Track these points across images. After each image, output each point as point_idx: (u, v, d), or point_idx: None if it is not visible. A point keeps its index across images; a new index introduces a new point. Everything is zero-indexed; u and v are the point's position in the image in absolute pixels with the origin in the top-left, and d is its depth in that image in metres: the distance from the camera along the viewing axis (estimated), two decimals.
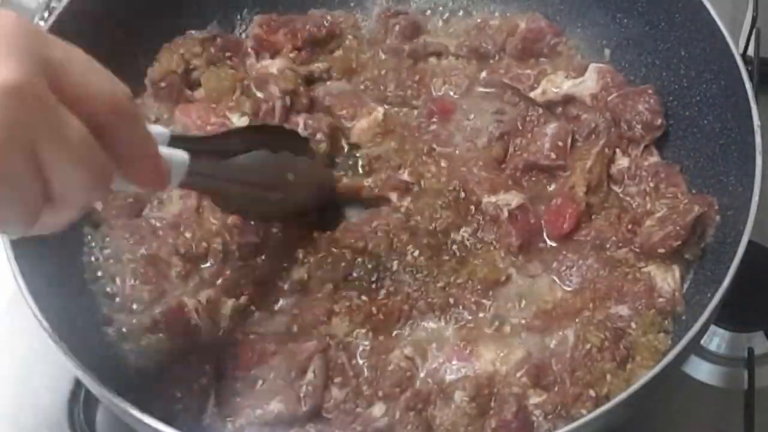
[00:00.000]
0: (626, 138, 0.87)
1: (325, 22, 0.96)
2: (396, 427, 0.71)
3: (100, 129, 0.49)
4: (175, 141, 0.63)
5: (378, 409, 0.72)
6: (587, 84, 0.89)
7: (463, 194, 0.83)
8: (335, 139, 0.88)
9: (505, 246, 0.81)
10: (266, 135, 0.77)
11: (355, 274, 0.79)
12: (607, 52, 0.94)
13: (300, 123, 0.87)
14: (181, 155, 0.62)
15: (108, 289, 0.80)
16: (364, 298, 0.78)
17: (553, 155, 0.85)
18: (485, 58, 0.94)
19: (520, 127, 0.87)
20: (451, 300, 0.78)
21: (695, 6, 0.83)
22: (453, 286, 0.79)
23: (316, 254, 0.80)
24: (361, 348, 0.76)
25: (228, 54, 0.93)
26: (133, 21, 0.90)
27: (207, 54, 0.92)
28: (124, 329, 0.77)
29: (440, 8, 1.00)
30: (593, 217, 0.83)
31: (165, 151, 0.58)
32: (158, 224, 0.82)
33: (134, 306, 0.78)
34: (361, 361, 0.75)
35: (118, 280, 0.80)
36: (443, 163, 0.86)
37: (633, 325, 0.76)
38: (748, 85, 0.76)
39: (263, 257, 0.81)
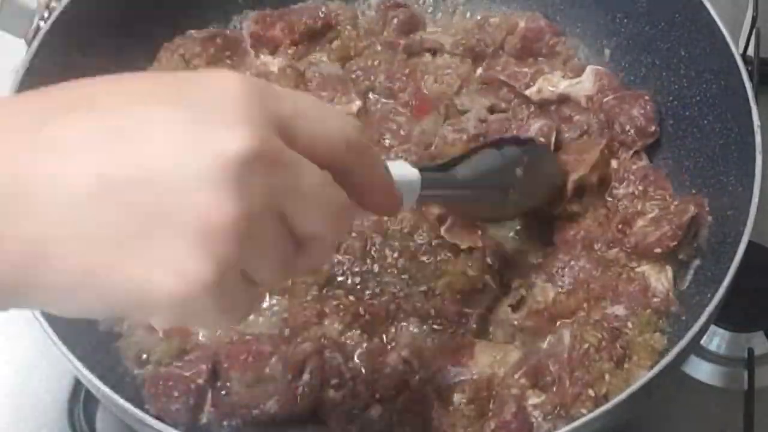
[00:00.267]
0: (618, 141, 0.87)
1: (320, 13, 0.96)
2: (394, 429, 0.71)
3: (336, 168, 0.48)
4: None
5: (375, 411, 0.72)
6: (583, 85, 0.89)
7: None
8: None
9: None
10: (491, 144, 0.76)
11: (339, 278, 0.79)
12: (607, 52, 0.94)
13: None
14: (411, 175, 0.60)
15: None
16: (351, 297, 0.78)
17: None
18: (481, 58, 0.94)
19: (507, 129, 0.87)
20: (432, 312, 0.77)
21: (695, 6, 0.82)
22: (431, 297, 0.78)
23: None
24: (357, 350, 0.75)
25: (228, 53, 0.93)
26: (133, 21, 0.90)
27: (207, 54, 0.92)
28: (122, 329, 0.77)
29: (441, 3, 1.00)
30: (579, 219, 0.83)
31: (395, 172, 0.56)
32: None
33: None
34: (357, 363, 0.75)
35: None
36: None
37: (629, 324, 0.76)
38: (748, 85, 0.76)
39: None
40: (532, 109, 0.89)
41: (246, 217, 0.41)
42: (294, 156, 0.44)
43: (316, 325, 0.76)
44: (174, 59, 0.90)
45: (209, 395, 0.73)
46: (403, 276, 0.79)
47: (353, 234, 0.80)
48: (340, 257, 0.80)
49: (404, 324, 0.77)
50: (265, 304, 0.78)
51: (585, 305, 0.78)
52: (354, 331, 0.76)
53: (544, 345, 0.76)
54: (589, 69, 0.90)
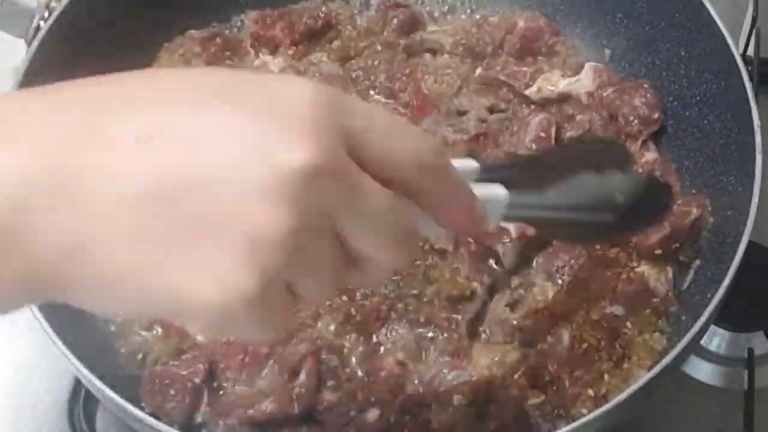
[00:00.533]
0: (624, 133, 0.86)
1: (320, 13, 0.95)
2: (392, 431, 0.71)
3: (407, 189, 0.45)
4: (486, 172, 0.57)
5: (372, 414, 0.72)
6: (583, 82, 0.89)
7: None
8: None
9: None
10: (587, 150, 0.70)
11: None
12: (607, 52, 0.94)
13: None
14: (498, 192, 0.56)
15: None
16: (344, 298, 0.78)
17: (534, 146, 0.84)
18: (481, 58, 0.94)
19: (507, 128, 0.87)
20: (422, 318, 0.77)
21: (695, 6, 0.82)
22: (422, 302, 0.78)
23: None
24: (353, 352, 0.75)
25: (228, 53, 0.93)
26: (133, 21, 0.89)
27: (207, 54, 0.92)
28: (121, 329, 0.77)
29: (441, 3, 1.00)
30: None
31: (481, 190, 0.53)
32: None
33: None
34: (353, 365, 0.75)
35: None
36: None
37: (629, 324, 0.76)
38: (748, 85, 0.76)
39: None
40: (533, 108, 0.89)
41: (298, 232, 0.40)
42: (360, 175, 0.42)
43: (312, 326, 0.76)
44: (174, 59, 0.90)
45: (205, 395, 0.73)
46: (394, 277, 0.79)
47: None
48: None
49: (396, 326, 0.77)
50: None
51: (584, 305, 0.78)
52: (348, 332, 0.76)
53: (544, 345, 0.76)
54: (587, 66, 0.90)
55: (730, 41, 0.79)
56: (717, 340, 0.90)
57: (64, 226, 0.39)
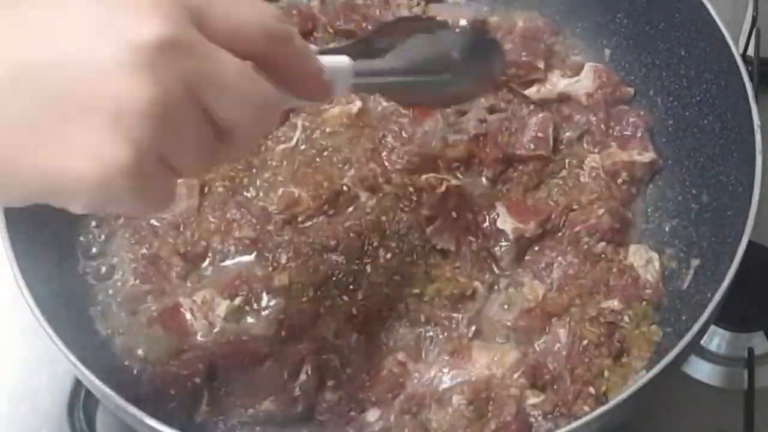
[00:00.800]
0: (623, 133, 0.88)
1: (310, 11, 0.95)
2: (392, 431, 0.71)
3: (258, 57, 0.49)
4: (332, 50, 0.63)
5: (372, 415, 0.72)
6: (583, 83, 0.89)
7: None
8: None
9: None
10: (417, 23, 0.78)
11: (334, 277, 0.79)
12: (607, 52, 0.94)
13: (299, 123, 0.87)
14: (341, 61, 0.61)
15: (108, 289, 0.80)
16: (345, 297, 0.78)
17: (532, 146, 0.85)
18: None
19: (506, 128, 0.87)
20: (422, 318, 0.77)
21: (695, 6, 0.82)
22: (423, 300, 0.78)
23: (296, 259, 0.80)
24: (353, 352, 0.75)
25: None
26: None
27: None
28: (122, 329, 0.77)
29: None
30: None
31: (326, 60, 0.58)
32: (158, 224, 0.82)
33: (133, 305, 0.78)
34: (354, 365, 0.75)
35: (118, 281, 0.80)
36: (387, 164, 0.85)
37: (626, 318, 0.77)
38: (748, 85, 0.76)
39: (255, 255, 0.81)
40: (532, 108, 0.89)
41: (160, 102, 0.43)
42: (210, 46, 0.46)
43: (312, 326, 0.76)
44: None
45: (205, 395, 0.73)
46: (395, 277, 0.79)
47: (351, 234, 0.81)
48: (335, 257, 0.80)
49: (396, 326, 0.77)
50: (262, 305, 0.78)
51: (578, 301, 0.78)
52: (349, 332, 0.76)
53: (540, 344, 0.76)
54: (587, 66, 0.90)
55: (730, 41, 0.79)
56: (717, 340, 0.90)
57: None
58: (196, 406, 0.73)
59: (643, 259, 0.80)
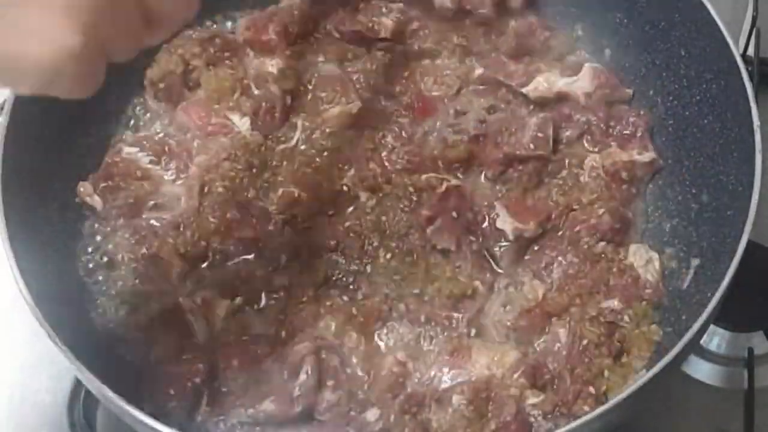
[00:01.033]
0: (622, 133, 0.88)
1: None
2: (392, 431, 0.71)
3: None
4: None
5: (372, 414, 0.72)
6: (581, 83, 0.89)
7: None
8: None
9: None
10: None
11: (334, 277, 0.79)
12: (607, 52, 0.94)
13: (299, 123, 0.87)
14: None
15: (108, 290, 0.80)
16: (345, 298, 0.78)
17: (532, 146, 0.85)
18: (479, 57, 0.94)
19: (506, 128, 0.87)
20: (423, 317, 0.77)
21: (695, 6, 0.82)
22: (422, 300, 0.78)
23: (296, 259, 0.80)
24: (353, 352, 0.75)
25: (227, 54, 0.93)
26: None
27: (206, 54, 0.91)
28: (122, 329, 0.77)
29: None
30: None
31: None
32: (158, 224, 0.82)
33: (133, 306, 0.78)
34: (353, 365, 0.75)
35: (119, 281, 0.80)
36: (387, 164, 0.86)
37: (626, 318, 0.77)
38: (748, 85, 0.76)
39: (254, 255, 0.81)
40: (531, 107, 0.89)
41: None
42: None
43: (312, 326, 0.77)
44: (173, 59, 0.90)
45: (205, 395, 0.73)
46: (395, 277, 0.79)
47: (351, 234, 0.81)
48: (335, 257, 0.80)
49: (396, 326, 0.77)
50: (262, 305, 0.78)
51: (578, 300, 0.78)
52: (349, 332, 0.76)
53: (540, 344, 0.76)
54: (586, 67, 0.90)
55: (730, 41, 0.79)
56: (717, 339, 0.90)
57: None
58: (196, 406, 0.73)
59: (643, 259, 0.80)
